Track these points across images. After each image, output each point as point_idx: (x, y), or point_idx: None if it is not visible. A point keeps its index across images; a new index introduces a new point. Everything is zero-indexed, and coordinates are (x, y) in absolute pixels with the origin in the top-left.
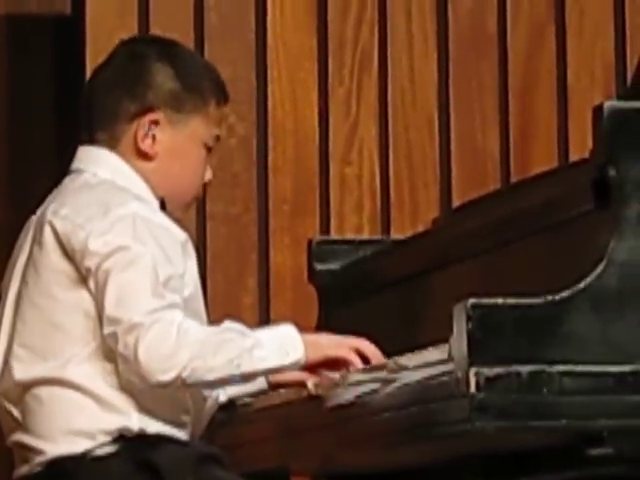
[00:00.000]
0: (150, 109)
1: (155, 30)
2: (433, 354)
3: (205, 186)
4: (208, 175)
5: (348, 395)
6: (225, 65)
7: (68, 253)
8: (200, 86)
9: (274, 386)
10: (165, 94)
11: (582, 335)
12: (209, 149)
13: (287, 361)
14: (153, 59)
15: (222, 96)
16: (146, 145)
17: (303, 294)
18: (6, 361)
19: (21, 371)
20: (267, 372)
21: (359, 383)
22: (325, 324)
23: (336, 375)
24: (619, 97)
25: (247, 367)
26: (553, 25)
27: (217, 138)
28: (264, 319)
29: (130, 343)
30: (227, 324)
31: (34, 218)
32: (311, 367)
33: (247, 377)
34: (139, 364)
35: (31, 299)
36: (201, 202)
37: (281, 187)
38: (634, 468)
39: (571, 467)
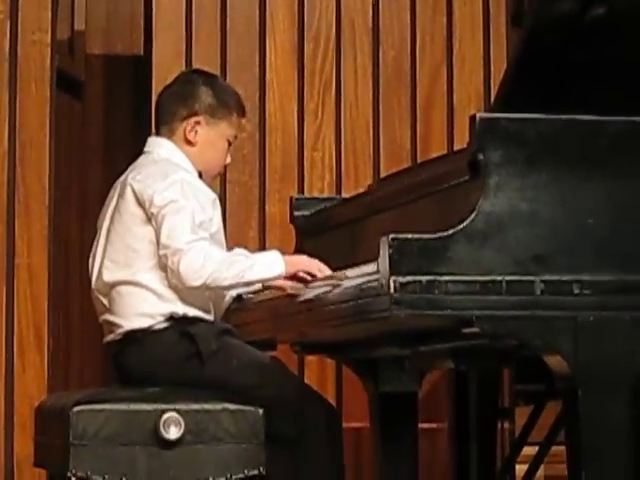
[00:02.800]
0: (195, 114)
1: (197, 64)
2: (367, 268)
3: (225, 166)
4: (228, 159)
5: (311, 294)
6: (239, 87)
7: (140, 203)
8: (227, 103)
9: (266, 288)
10: (205, 105)
11: (460, 257)
12: (230, 143)
13: (274, 274)
14: (199, 84)
15: (241, 111)
16: (191, 136)
17: (287, 231)
18: (99, 270)
19: (108, 276)
20: (261, 281)
21: (319, 287)
22: (300, 250)
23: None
24: (485, 111)
25: (248, 278)
26: (445, 66)
27: (235, 137)
28: (262, 247)
29: (175, 262)
30: (237, 250)
31: (118, 182)
32: (289, 276)
33: (248, 284)
34: (180, 275)
35: (116, 232)
36: (223, 173)
37: (273, 164)
38: (491, 340)
39: (452, 340)
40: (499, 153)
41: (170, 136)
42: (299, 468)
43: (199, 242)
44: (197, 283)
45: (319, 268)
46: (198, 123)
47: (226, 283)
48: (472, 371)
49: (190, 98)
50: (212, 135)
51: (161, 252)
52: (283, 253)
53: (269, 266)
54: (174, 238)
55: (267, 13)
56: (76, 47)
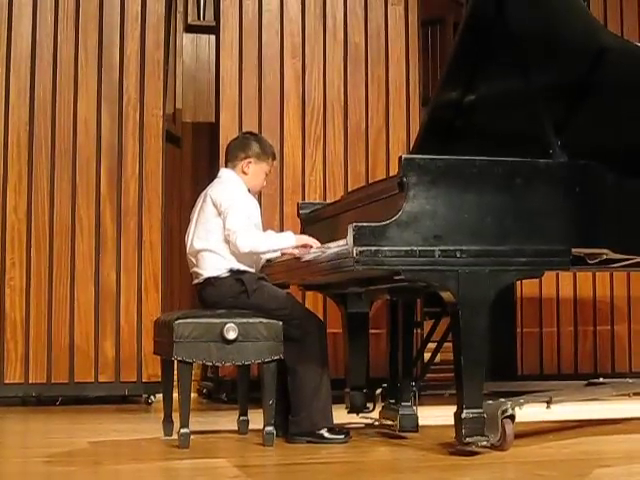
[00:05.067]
0: (249, 157)
1: (245, 128)
2: (341, 242)
3: (262, 187)
4: (264, 184)
5: (309, 257)
6: (270, 139)
7: (215, 205)
8: (267, 152)
9: (283, 254)
10: (255, 153)
11: (393, 236)
12: (266, 175)
13: (288, 245)
14: (252, 140)
15: (273, 156)
16: (245, 169)
17: (295, 222)
18: (191, 242)
19: (196, 245)
20: (281, 249)
21: (314, 253)
22: (303, 232)
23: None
24: (407, 154)
25: (274, 247)
26: (385, 129)
27: (269, 171)
28: (281, 230)
29: (234, 237)
30: (269, 231)
31: (202, 193)
32: (296, 247)
33: (275, 251)
34: (236, 246)
35: (201, 221)
36: (261, 190)
37: (287, 184)
38: (410, 283)
39: (388, 283)
40: (415, 178)
41: (233, 168)
42: (302, 355)
43: (248, 227)
44: (246, 250)
45: (314, 242)
46: (250, 162)
47: (262, 249)
48: (400, 300)
49: (247, 148)
50: (257, 170)
51: (226, 232)
52: (294, 233)
53: (286, 240)
54: (233, 224)
55: (285, 98)
56: (177, 117)
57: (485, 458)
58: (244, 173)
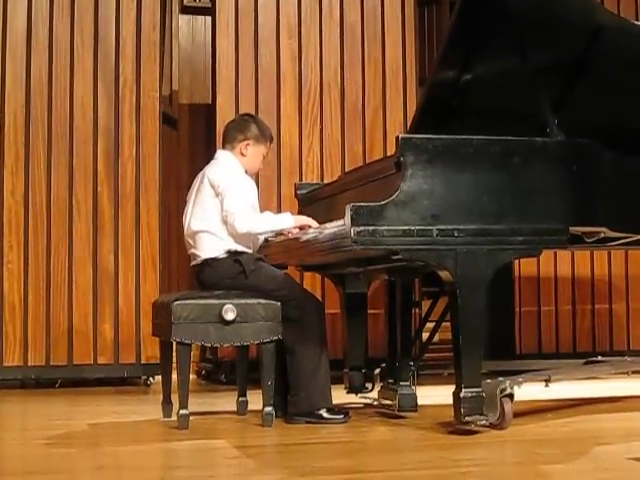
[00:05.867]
0: (247, 139)
1: (242, 109)
2: (338, 222)
3: (260, 168)
4: (261, 166)
5: (307, 237)
6: (265, 121)
7: (212, 186)
8: (265, 134)
9: (281, 234)
10: (253, 134)
11: (391, 216)
12: (263, 157)
13: (287, 225)
14: (251, 122)
15: (271, 138)
16: (244, 151)
17: (293, 203)
18: (189, 224)
19: (193, 227)
20: (280, 230)
21: (312, 233)
22: (301, 213)
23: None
24: (404, 134)
25: (272, 228)
26: (381, 108)
27: (267, 153)
28: (279, 211)
29: (232, 219)
30: (266, 212)
31: (199, 174)
32: (295, 227)
33: (272, 231)
34: (235, 227)
35: (198, 202)
36: (258, 171)
37: (285, 165)
38: (408, 262)
39: (386, 263)
40: (412, 157)
41: (231, 150)
42: (300, 336)
43: (245, 209)
44: (244, 231)
45: (313, 222)
46: (249, 144)
47: (260, 230)
48: (398, 280)
49: (245, 129)
50: (255, 152)
51: (224, 214)
52: (292, 214)
53: (284, 221)
54: (231, 205)
55: (281, 79)
56: (173, 99)
57: (484, 437)
58: (242, 155)
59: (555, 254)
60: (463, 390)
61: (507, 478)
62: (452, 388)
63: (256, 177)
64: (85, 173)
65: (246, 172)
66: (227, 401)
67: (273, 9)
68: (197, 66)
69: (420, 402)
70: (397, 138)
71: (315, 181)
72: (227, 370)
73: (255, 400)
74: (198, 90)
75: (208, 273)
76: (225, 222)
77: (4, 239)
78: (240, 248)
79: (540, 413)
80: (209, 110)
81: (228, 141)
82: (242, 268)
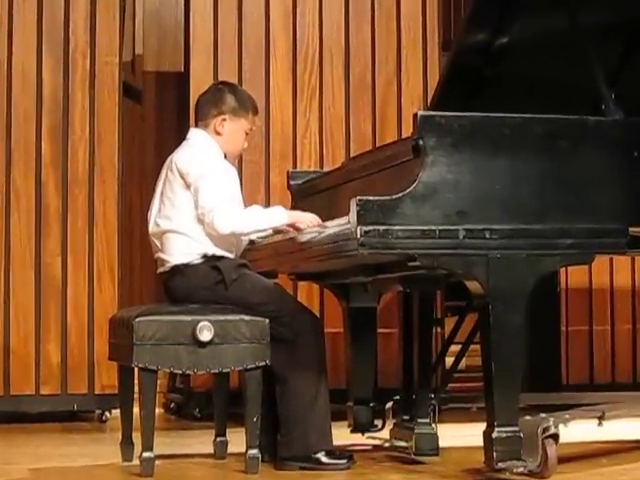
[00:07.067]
0: (222, 113)
1: (221, 77)
2: (341, 221)
3: (243, 150)
4: (245, 145)
5: (304, 238)
6: (251, 93)
7: (182, 175)
8: (245, 105)
9: (276, 233)
10: (230, 107)
11: (406, 213)
12: (246, 134)
13: (279, 223)
14: (226, 92)
15: (255, 110)
16: (219, 129)
17: (285, 195)
18: (155, 221)
19: (161, 225)
20: (270, 228)
21: (309, 233)
22: (294, 207)
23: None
24: (424, 110)
25: (261, 226)
26: (395, 78)
27: (251, 129)
28: (267, 206)
29: (209, 217)
30: (253, 206)
31: (168, 159)
32: (289, 225)
33: (261, 231)
34: (214, 227)
35: (166, 195)
36: (241, 155)
37: (275, 148)
38: (428, 270)
39: (401, 270)
40: (433, 140)
41: (204, 128)
42: (293, 361)
43: (225, 203)
44: (227, 231)
45: (314, 218)
46: (225, 119)
47: (246, 231)
48: (415, 292)
49: (220, 102)
50: (234, 128)
51: (199, 211)
52: (286, 208)
53: (276, 217)
54: (207, 201)
55: (271, 41)
56: (136, 66)
57: None
58: (218, 133)
59: (611, 261)
60: (496, 429)
61: None
62: (482, 427)
63: (238, 162)
64: (25, 156)
65: (225, 156)
66: (202, 441)
67: None
68: (166, 25)
69: (442, 444)
70: (415, 116)
71: (312, 168)
72: (202, 403)
73: (237, 440)
74: (167, 55)
75: (179, 282)
76: (200, 220)
77: None
78: (219, 252)
79: (592, 458)
80: (181, 79)
81: (200, 117)
82: (221, 277)
